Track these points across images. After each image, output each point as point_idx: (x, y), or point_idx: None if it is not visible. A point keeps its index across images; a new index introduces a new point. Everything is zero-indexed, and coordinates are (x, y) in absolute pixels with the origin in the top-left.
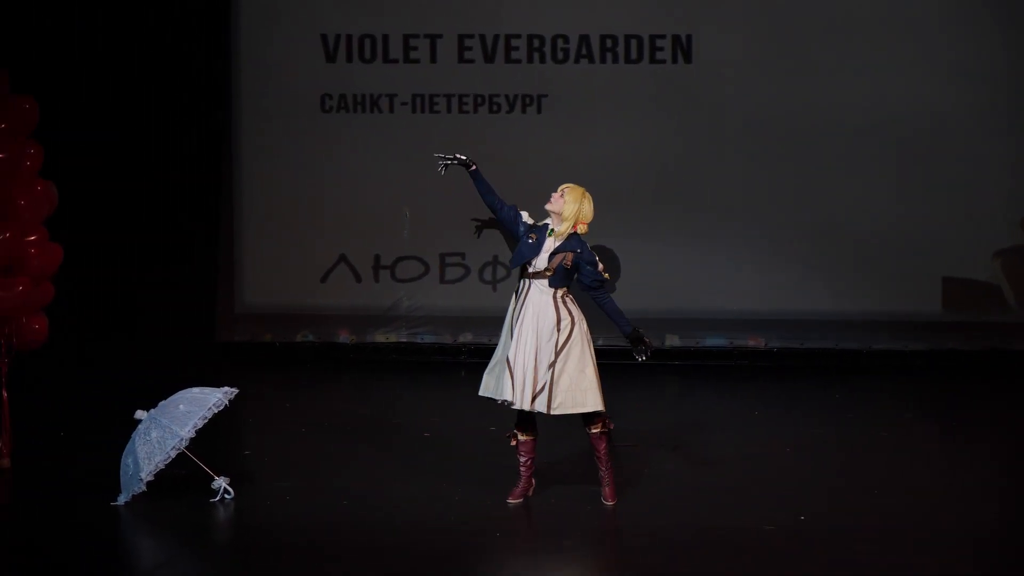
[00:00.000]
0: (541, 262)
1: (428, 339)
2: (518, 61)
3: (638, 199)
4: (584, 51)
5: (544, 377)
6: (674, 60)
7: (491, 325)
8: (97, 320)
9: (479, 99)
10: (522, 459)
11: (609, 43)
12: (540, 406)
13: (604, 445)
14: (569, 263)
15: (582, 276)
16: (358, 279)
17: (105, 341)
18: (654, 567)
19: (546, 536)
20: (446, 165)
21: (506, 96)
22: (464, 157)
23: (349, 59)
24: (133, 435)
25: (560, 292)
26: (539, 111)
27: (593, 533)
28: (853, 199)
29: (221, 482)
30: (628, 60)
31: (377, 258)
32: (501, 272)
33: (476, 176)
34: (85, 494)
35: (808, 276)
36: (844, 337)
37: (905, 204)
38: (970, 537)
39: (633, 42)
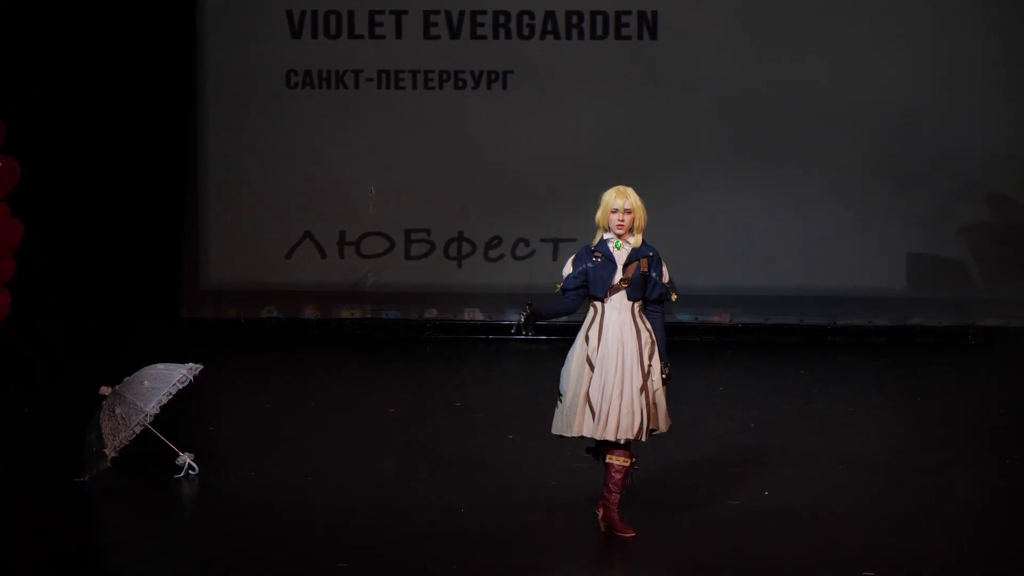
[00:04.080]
0: (616, 275)
1: (393, 315)
2: (484, 37)
3: (602, 175)
4: (550, 27)
5: (636, 403)
6: (640, 36)
7: (456, 301)
8: (61, 297)
9: (444, 75)
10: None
11: (575, 19)
12: (630, 433)
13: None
14: (646, 267)
15: (649, 288)
16: (323, 255)
17: (69, 318)
18: (617, 541)
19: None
20: (522, 326)
21: (472, 72)
22: (527, 311)
23: (314, 35)
24: (97, 411)
25: (637, 305)
26: (504, 87)
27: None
28: (820, 176)
29: (185, 458)
30: (594, 36)
31: (342, 234)
32: (466, 248)
33: (544, 311)
34: (48, 470)
35: (775, 252)
36: (809, 312)
37: (872, 182)
38: (935, 513)
39: (599, 18)
